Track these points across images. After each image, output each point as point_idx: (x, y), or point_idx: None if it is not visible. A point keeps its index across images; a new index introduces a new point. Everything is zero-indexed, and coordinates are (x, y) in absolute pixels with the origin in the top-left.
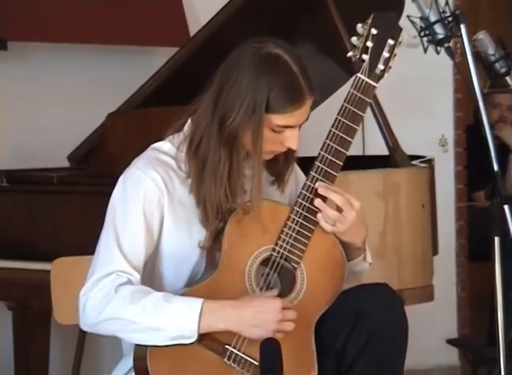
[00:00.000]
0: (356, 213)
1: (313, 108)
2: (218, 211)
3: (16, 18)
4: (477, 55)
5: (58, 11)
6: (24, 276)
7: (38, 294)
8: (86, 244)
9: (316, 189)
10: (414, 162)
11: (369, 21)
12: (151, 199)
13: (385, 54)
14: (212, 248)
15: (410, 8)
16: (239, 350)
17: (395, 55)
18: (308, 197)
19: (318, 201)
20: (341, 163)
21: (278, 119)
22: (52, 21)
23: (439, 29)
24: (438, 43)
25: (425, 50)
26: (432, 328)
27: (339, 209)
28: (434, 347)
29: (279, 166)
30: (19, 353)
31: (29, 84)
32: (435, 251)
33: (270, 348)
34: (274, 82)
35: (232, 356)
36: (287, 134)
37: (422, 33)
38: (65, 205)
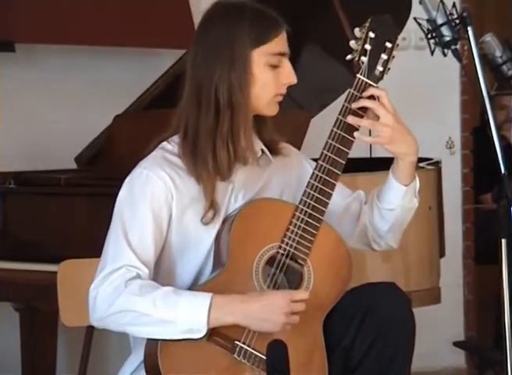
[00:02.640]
0: (392, 116)
1: (321, 109)
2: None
3: (24, 20)
4: (484, 58)
5: (66, 13)
6: (31, 278)
7: (45, 296)
8: (93, 245)
9: (318, 187)
10: (420, 165)
11: (367, 25)
12: (159, 196)
13: (384, 56)
14: (218, 247)
15: (417, 10)
16: (248, 345)
17: (393, 57)
18: (313, 195)
19: (351, 118)
20: (343, 162)
21: (270, 47)
22: (60, 23)
23: (446, 31)
24: (445, 45)
25: (432, 52)
26: (438, 330)
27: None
28: (440, 349)
29: (267, 130)
30: (26, 354)
31: (37, 86)
32: (441, 254)
33: (277, 350)
34: (248, 18)
35: (242, 352)
36: (284, 66)
37: (429, 36)
38: (72, 206)
